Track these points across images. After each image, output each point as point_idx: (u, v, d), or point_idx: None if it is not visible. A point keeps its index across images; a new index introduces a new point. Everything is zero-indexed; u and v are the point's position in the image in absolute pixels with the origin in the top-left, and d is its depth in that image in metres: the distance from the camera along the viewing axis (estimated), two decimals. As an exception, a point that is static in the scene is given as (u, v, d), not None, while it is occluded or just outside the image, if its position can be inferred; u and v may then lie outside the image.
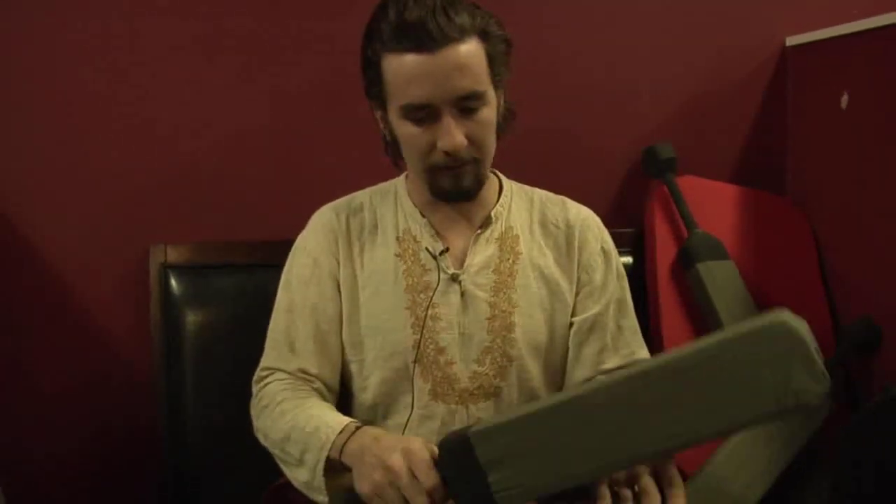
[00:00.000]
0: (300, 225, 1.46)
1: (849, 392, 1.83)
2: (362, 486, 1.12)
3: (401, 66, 1.24)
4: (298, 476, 1.27)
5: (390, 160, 1.42)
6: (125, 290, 1.81)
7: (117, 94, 1.80)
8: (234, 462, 1.69)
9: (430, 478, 1.06)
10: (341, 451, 1.20)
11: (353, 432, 1.21)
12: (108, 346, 1.83)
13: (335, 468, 1.22)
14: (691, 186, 1.93)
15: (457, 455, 1.04)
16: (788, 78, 2.01)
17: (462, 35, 1.24)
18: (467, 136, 1.27)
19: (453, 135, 1.26)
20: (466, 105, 1.26)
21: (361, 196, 1.45)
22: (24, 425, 1.81)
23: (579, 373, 1.41)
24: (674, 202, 1.90)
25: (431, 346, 1.36)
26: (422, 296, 1.36)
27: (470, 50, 1.25)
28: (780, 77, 2.01)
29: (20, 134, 1.77)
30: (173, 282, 1.76)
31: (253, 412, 1.40)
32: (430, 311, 1.35)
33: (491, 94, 1.30)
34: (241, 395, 1.70)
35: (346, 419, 1.26)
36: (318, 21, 1.85)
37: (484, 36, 1.27)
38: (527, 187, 1.49)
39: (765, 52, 2.01)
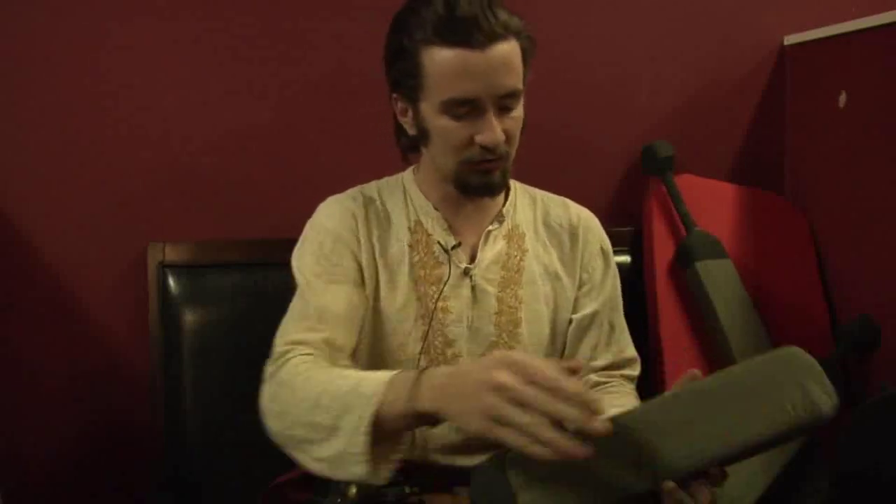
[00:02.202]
0: (299, 223, 1.44)
1: (848, 391, 1.83)
2: (470, 422, 0.95)
3: (448, 61, 1.24)
4: (324, 452, 1.11)
5: (401, 153, 1.42)
6: (123, 288, 1.81)
7: (115, 92, 1.79)
8: (232, 461, 1.69)
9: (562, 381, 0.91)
10: (410, 398, 1.02)
11: (419, 376, 1.04)
12: (106, 345, 1.82)
13: (380, 437, 1.07)
14: (689, 185, 1.93)
15: (489, 475, 1.02)
16: (786, 77, 2.01)
17: (507, 33, 1.25)
18: (504, 133, 1.28)
19: (495, 130, 1.26)
20: (506, 103, 1.28)
21: (369, 188, 1.45)
22: (21, 424, 1.80)
23: None
24: (672, 201, 1.90)
25: (440, 338, 1.36)
26: (433, 288, 1.37)
27: (513, 48, 1.27)
28: (778, 76, 2.02)
29: (18, 132, 1.76)
30: (171, 281, 1.75)
31: (266, 398, 1.24)
32: (439, 304, 1.36)
33: (522, 94, 1.32)
34: (239, 394, 1.69)
35: (392, 372, 1.10)
36: (317, 20, 1.84)
37: (519, 36, 1.28)
38: (529, 187, 1.51)
39: (763, 51, 2.01)
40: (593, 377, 1.42)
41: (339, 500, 1.29)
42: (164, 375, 1.74)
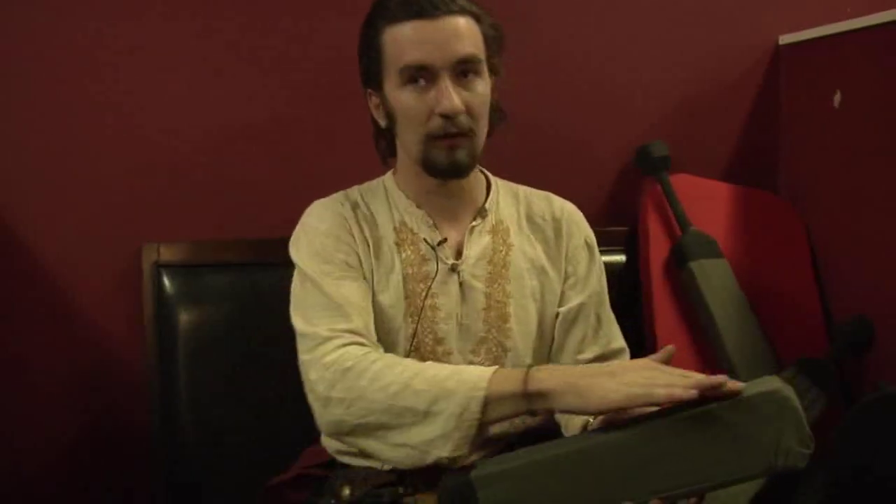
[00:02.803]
0: (294, 223, 1.44)
1: (843, 390, 1.83)
2: (618, 391, 1.08)
3: (401, 33, 1.28)
4: (412, 437, 1.17)
5: (380, 156, 1.44)
6: (118, 289, 1.80)
7: (110, 92, 1.79)
8: (228, 461, 1.69)
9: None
10: (526, 380, 1.14)
11: (528, 369, 1.16)
12: (101, 345, 1.82)
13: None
14: (685, 185, 1.93)
15: (459, 498, 1.05)
16: (781, 76, 2.02)
17: (461, 10, 1.30)
18: (465, 105, 1.29)
19: (451, 97, 1.28)
20: (462, 69, 1.29)
21: (353, 193, 1.45)
22: (15, 425, 1.80)
23: (562, 362, 1.43)
24: (667, 200, 1.90)
25: (430, 336, 1.36)
26: (421, 285, 1.36)
27: (467, 23, 1.30)
28: (774, 75, 2.02)
29: (13, 133, 1.76)
30: (166, 281, 1.75)
31: (321, 385, 1.23)
32: (429, 301, 1.36)
33: (485, 70, 1.33)
34: (235, 394, 1.70)
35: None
36: (316, 20, 1.84)
37: (478, 18, 1.32)
38: (511, 183, 1.50)
39: (758, 51, 2.01)
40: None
41: (333, 501, 1.29)
42: (160, 375, 1.74)
